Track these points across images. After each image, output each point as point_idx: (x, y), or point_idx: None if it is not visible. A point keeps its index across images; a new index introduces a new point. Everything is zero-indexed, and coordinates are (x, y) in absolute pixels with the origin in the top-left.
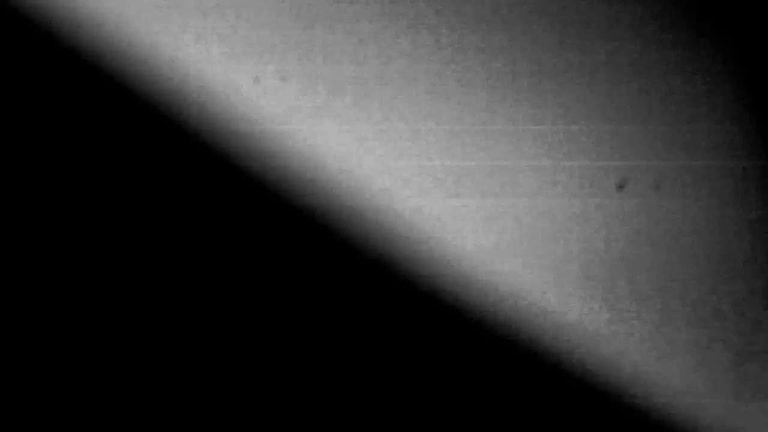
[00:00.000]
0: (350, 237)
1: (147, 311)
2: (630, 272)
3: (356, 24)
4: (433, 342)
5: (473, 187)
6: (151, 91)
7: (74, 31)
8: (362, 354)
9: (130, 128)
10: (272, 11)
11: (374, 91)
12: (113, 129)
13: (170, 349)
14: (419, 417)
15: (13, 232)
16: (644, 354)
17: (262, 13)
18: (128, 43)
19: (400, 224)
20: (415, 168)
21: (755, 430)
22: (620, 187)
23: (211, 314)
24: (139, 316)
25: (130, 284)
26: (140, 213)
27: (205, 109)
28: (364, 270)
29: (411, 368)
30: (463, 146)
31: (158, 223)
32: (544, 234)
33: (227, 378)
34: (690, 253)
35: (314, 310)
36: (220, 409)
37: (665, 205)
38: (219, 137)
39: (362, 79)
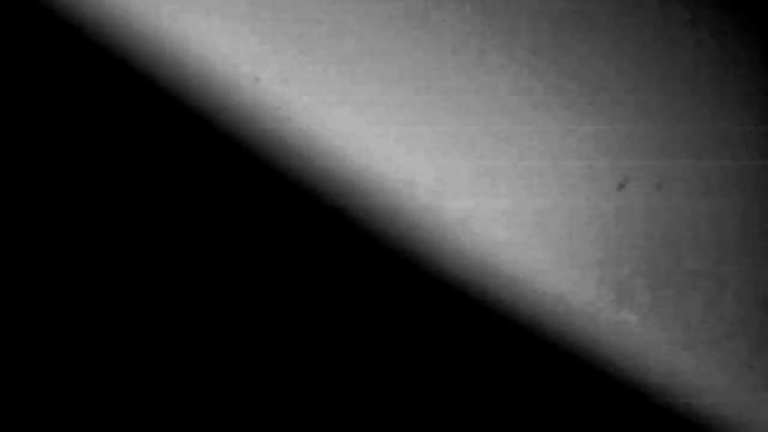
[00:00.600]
0: (360, 235)
1: (151, 310)
2: (630, 272)
3: (358, 24)
4: (455, 333)
5: (470, 187)
6: (151, 91)
7: (76, 33)
8: (386, 348)
9: (129, 129)
10: (274, 11)
11: (376, 91)
12: (113, 129)
13: (182, 346)
14: (444, 407)
15: (21, 225)
16: (642, 354)
17: (263, 13)
18: (128, 43)
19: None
20: (412, 168)
21: None
22: (620, 187)
23: (218, 314)
24: (150, 314)
25: (132, 283)
26: (140, 213)
27: (207, 109)
28: (390, 266)
29: (436, 361)
30: (461, 147)
31: (159, 222)
32: (544, 234)
33: (248, 373)
34: (689, 252)
35: (338, 309)
36: (239, 407)
37: (665, 205)
38: (219, 137)
39: (364, 80)
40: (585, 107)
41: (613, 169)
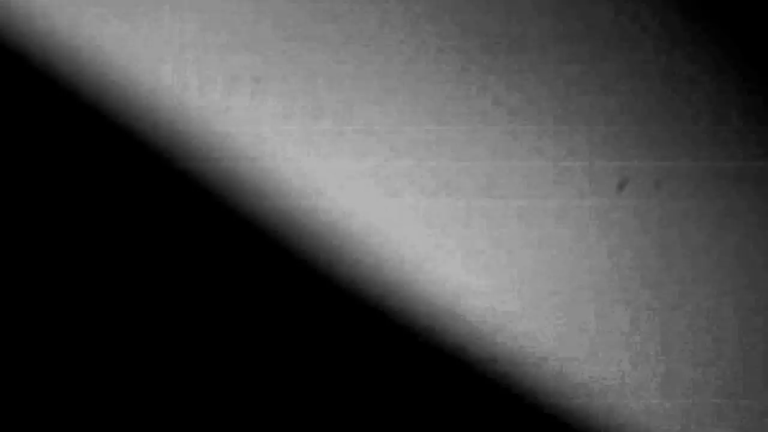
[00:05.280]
0: (360, 239)
1: (134, 317)
2: (630, 272)
3: (357, 25)
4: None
5: (472, 187)
6: (150, 91)
7: (74, 33)
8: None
9: (127, 128)
10: (273, 10)
11: (375, 92)
12: (112, 130)
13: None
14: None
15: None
16: (643, 360)
17: (262, 12)
18: (126, 42)
19: (388, 225)
20: (413, 168)
21: None
22: (620, 187)
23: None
24: (123, 323)
25: (113, 288)
26: (139, 212)
27: (204, 108)
28: (358, 270)
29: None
30: (462, 147)
31: (156, 224)
32: (545, 233)
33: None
34: (690, 252)
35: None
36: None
37: (665, 205)
38: (218, 138)
39: (362, 81)
40: (585, 107)
41: (612, 169)
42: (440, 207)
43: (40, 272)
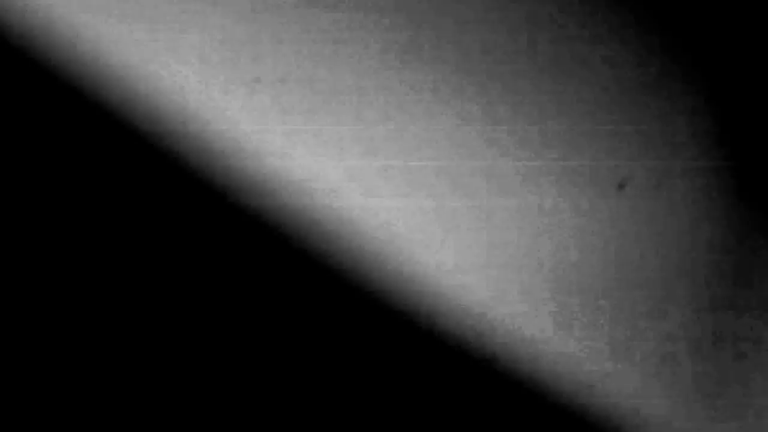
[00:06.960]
0: (359, 237)
1: (131, 316)
2: (630, 272)
3: (357, 25)
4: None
5: (473, 187)
6: (149, 91)
7: (72, 30)
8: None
9: (126, 129)
10: (273, 11)
11: (374, 92)
12: (112, 130)
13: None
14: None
15: None
16: (642, 361)
17: (262, 12)
18: (125, 42)
19: (386, 224)
20: (415, 168)
21: None
22: (620, 187)
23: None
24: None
25: (112, 289)
26: (139, 212)
27: (204, 109)
28: (359, 269)
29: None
30: (462, 146)
31: (155, 224)
32: (544, 234)
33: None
34: (690, 252)
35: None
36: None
37: (665, 205)
38: (218, 138)
39: (362, 81)
40: (585, 107)
41: (612, 169)
42: (441, 206)
43: (41, 272)
